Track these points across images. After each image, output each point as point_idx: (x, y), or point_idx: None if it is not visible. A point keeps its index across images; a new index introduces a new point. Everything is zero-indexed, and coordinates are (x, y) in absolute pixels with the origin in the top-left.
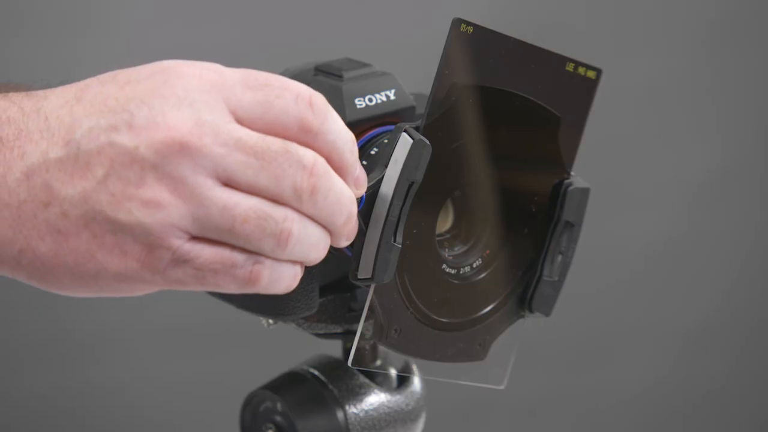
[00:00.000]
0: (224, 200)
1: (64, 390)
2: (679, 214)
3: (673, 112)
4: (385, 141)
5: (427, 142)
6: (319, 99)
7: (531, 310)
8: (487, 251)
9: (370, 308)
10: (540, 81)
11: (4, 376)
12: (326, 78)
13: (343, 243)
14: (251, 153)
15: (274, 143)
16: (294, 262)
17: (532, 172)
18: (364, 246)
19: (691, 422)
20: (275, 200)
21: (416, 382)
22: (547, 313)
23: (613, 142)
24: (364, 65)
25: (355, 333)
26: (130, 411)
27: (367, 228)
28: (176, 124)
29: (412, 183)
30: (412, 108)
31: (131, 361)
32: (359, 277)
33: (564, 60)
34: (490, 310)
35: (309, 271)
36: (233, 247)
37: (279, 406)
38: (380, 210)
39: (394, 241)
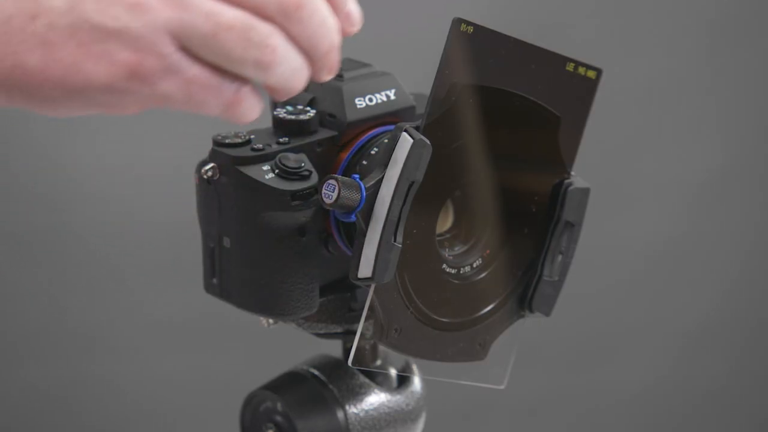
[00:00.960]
0: (209, 6)
1: (64, 388)
2: (679, 214)
3: (673, 112)
4: (385, 141)
5: (428, 142)
6: None
7: (531, 310)
8: (487, 251)
9: (371, 308)
10: (540, 81)
11: (3, 371)
12: None
13: (324, 76)
14: None
15: None
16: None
17: (532, 172)
18: (364, 246)
19: (691, 422)
20: (261, 16)
21: (416, 382)
22: (547, 313)
23: (613, 142)
24: (364, 65)
25: (355, 333)
26: (129, 410)
27: (367, 228)
28: None
29: (412, 183)
30: (412, 108)
31: (130, 361)
32: (359, 276)
33: (564, 60)
34: (490, 310)
35: (309, 272)
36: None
37: (279, 406)
38: (380, 210)
39: (394, 241)
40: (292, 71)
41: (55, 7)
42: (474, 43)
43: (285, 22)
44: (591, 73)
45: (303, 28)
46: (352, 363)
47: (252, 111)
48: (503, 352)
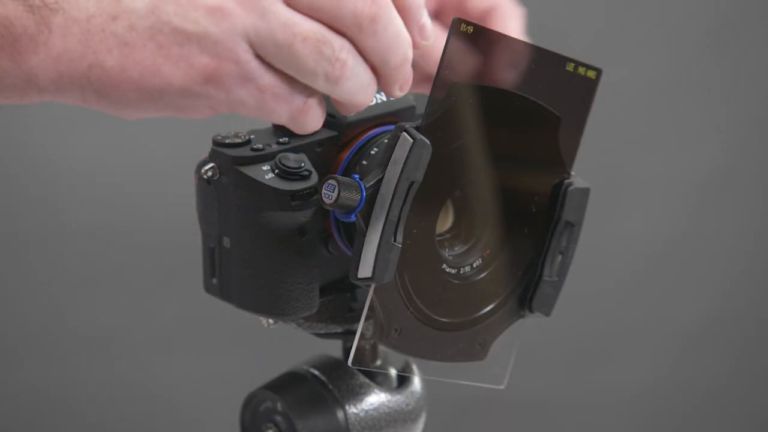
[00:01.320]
0: (286, 16)
1: (65, 388)
2: (679, 214)
3: (674, 112)
4: (385, 141)
5: (427, 142)
6: None
7: (531, 310)
8: (487, 251)
9: (371, 308)
10: (540, 81)
11: (3, 372)
12: None
13: (396, 91)
14: None
15: None
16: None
17: (532, 172)
18: (364, 246)
19: (691, 422)
20: (335, 28)
21: (416, 382)
22: (547, 313)
23: (613, 142)
24: None
25: (355, 333)
26: (130, 410)
27: (367, 228)
28: None
29: (412, 183)
30: (412, 108)
31: (131, 359)
32: (359, 276)
33: (564, 60)
34: (490, 310)
35: (309, 272)
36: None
37: (279, 406)
38: (380, 210)
39: (394, 241)
40: (359, 86)
41: (136, 8)
42: (474, 43)
43: (358, 35)
44: (591, 73)
45: (376, 41)
46: (352, 363)
47: (316, 122)
48: (503, 352)
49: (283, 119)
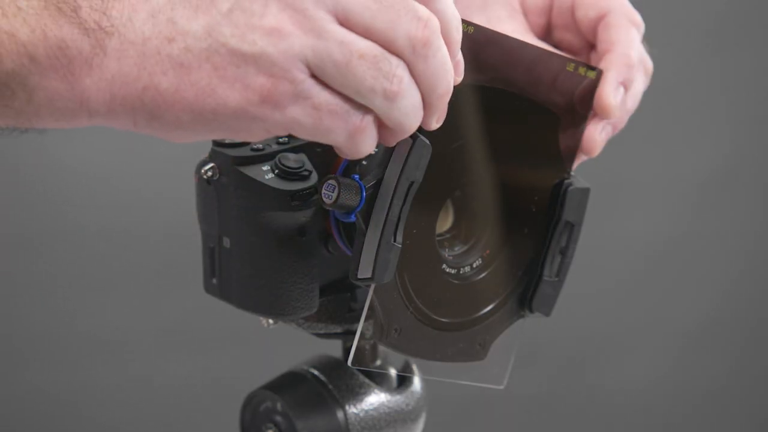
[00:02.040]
0: (343, 35)
1: (66, 389)
2: (679, 213)
3: (674, 112)
4: None
5: (427, 142)
6: None
7: (531, 310)
8: (487, 251)
9: (370, 308)
10: (540, 81)
11: (7, 373)
12: None
13: (433, 123)
14: None
15: None
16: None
17: (532, 172)
18: (364, 246)
19: (691, 422)
20: (389, 50)
21: (416, 382)
22: (547, 313)
23: (614, 142)
24: None
25: (355, 333)
26: (131, 410)
27: (367, 228)
28: None
29: (412, 183)
30: None
31: (132, 360)
32: (359, 277)
33: (564, 60)
34: (490, 310)
35: (309, 272)
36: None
37: (279, 406)
38: (380, 210)
39: (394, 241)
40: (412, 107)
41: (192, 30)
42: (474, 43)
43: (411, 57)
44: (591, 73)
45: (426, 67)
46: (352, 363)
47: (371, 142)
48: (503, 352)
49: (340, 139)
